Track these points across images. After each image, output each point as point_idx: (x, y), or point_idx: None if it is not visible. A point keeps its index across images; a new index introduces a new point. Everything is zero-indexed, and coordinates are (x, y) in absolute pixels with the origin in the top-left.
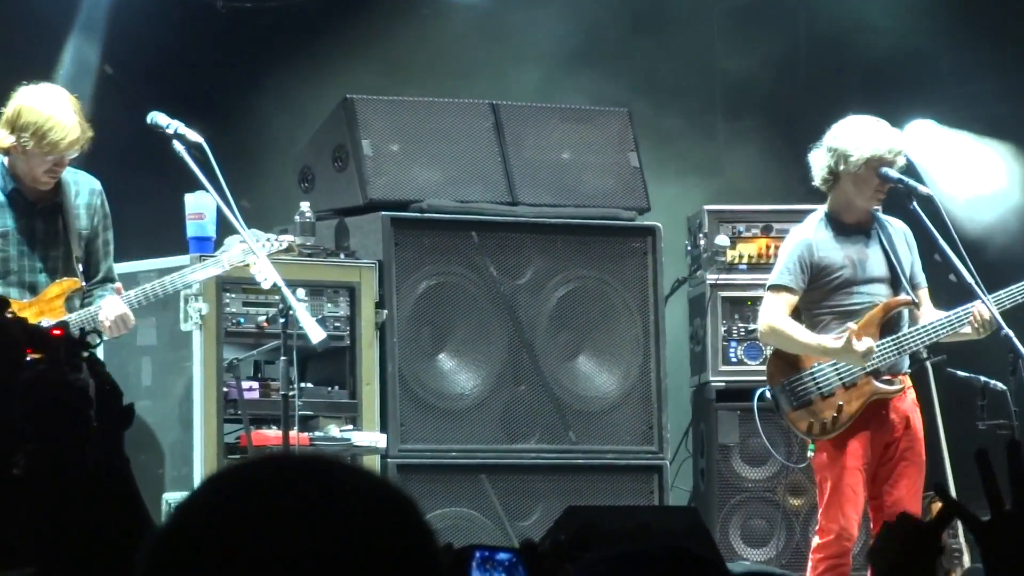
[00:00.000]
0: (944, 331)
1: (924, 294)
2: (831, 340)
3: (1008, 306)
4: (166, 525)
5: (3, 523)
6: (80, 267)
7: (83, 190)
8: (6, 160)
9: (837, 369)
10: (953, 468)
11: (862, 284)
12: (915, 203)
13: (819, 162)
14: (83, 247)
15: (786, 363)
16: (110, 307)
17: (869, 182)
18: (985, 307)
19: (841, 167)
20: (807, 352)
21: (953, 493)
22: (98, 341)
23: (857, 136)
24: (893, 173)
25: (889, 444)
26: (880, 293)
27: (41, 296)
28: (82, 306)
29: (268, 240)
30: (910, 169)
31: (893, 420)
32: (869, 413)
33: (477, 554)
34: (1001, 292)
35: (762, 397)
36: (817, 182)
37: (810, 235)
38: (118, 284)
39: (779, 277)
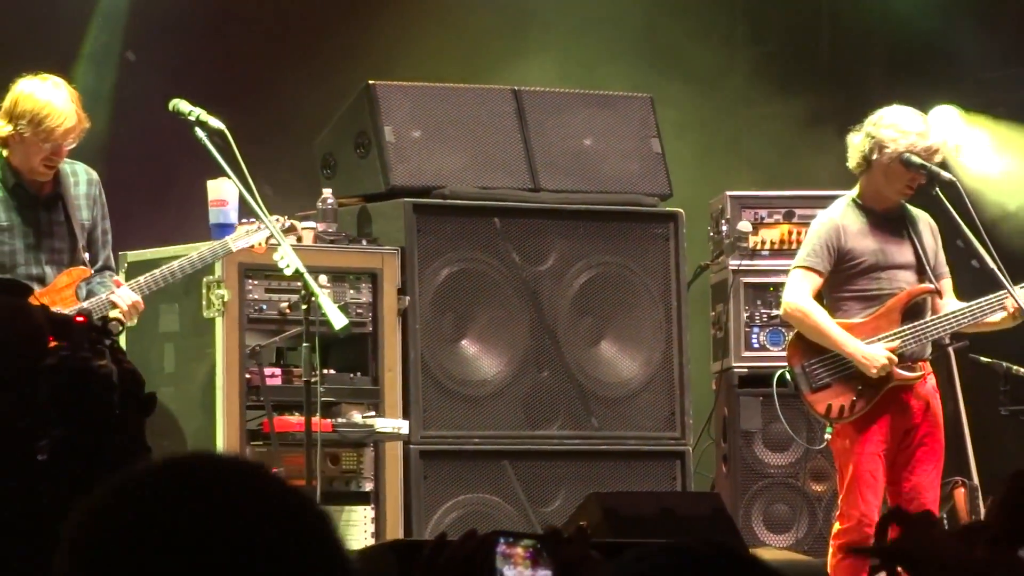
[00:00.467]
0: (967, 320)
1: (947, 284)
2: (854, 342)
3: None
4: (74, 525)
5: (27, 507)
6: (86, 256)
7: (81, 180)
8: (5, 153)
9: None
10: (975, 454)
11: (886, 270)
12: (937, 189)
13: (855, 146)
14: (85, 236)
15: (807, 345)
16: (122, 294)
17: (901, 176)
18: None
19: (875, 156)
20: (827, 342)
21: (975, 478)
22: (120, 329)
23: (897, 128)
24: (916, 159)
25: (909, 430)
26: (904, 280)
27: (52, 286)
28: (86, 294)
29: (277, 220)
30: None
31: (913, 406)
32: (889, 399)
33: (501, 540)
34: None
35: (781, 379)
36: (851, 165)
37: (838, 219)
38: (117, 278)
39: (806, 259)
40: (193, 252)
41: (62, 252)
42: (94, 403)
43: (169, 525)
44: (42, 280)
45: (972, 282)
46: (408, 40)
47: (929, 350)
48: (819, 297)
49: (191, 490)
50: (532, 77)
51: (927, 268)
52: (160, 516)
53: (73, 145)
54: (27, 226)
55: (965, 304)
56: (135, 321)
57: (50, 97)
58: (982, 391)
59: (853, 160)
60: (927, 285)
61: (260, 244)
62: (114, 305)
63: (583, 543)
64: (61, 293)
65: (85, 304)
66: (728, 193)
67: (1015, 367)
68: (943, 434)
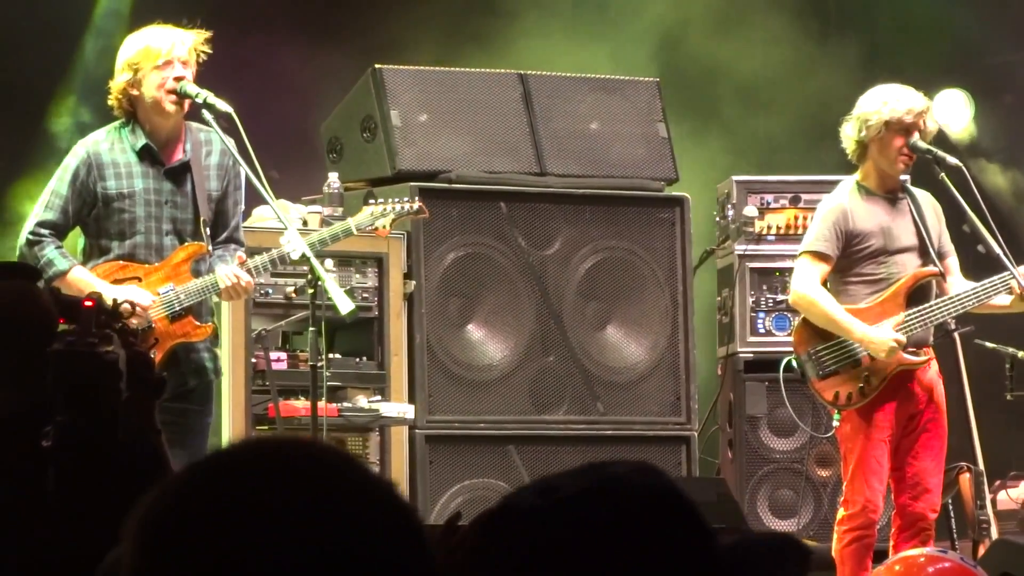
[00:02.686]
0: (972, 302)
1: (952, 263)
2: (862, 326)
3: None
4: (154, 505)
5: (33, 494)
6: (207, 231)
7: (215, 150)
8: (137, 114)
9: None
10: (980, 438)
11: (892, 254)
12: (943, 174)
13: (848, 135)
14: (212, 208)
15: (813, 332)
16: (227, 272)
17: (891, 145)
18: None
19: (863, 133)
20: (836, 329)
21: (980, 463)
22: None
23: (876, 101)
24: (922, 144)
25: (913, 415)
26: (909, 263)
27: (167, 260)
28: (208, 267)
29: (399, 202)
30: (940, 139)
31: (917, 392)
32: (894, 384)
33: None
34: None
35: (788, 366)
36: (849, 155)
37: (844, 202)
38: (240, 253)
39: (814, 244)
40: (313, 233)
41: (185, 223)
42: (99, 389)
43: (254, 509)
44: (160, 250)
45: (978, 267)
46: (415, 24)
47: (932, 334)
48: (824, 282)
49: (281, 475)
50: (539, 61)
51: (931, 250)
52: (244, 500)
53: (189, 60)
54: (150, 194)
55: (970, 286)
56: (236, 298)
57: (151, 27)
58: (988, 377)
59: (849, 148)
60: (932, 268)
61: (384, 227)
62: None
63: None
64: (177, 269)
65: (199, 281)
66: (734, 178)
67: (1021, 352)
68: (946, 420)
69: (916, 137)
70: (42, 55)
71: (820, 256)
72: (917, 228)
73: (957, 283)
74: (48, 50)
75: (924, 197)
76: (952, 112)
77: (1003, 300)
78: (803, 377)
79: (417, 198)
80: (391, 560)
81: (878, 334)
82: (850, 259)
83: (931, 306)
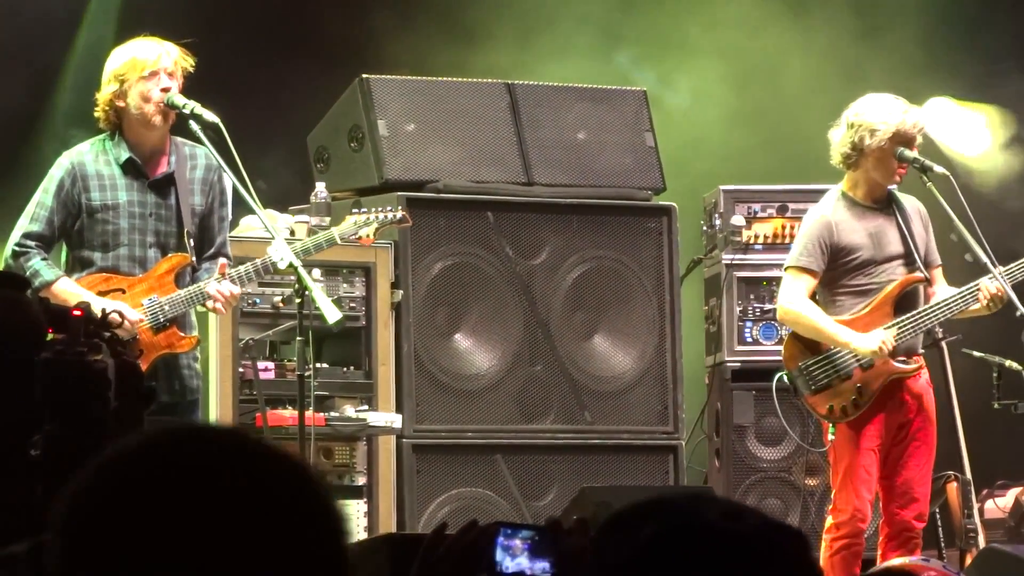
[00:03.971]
0: (958, 307)
1: (938, 273)
2: (849, 332)
3: (1020, 278)
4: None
5: (20, 503)
6: (191, 242)
7: (200, 165)
8: (122, 127)
9: None
10: (968, 447)
11: (880, 264)
12: (931, 183)
13: (840, 139)
14: (196, 223)
15: (804, 346)
16: (221, 287)
17: (892, 156)
18: (992, 282)
19: (866, 142)
20: (824, 340)
21: (968, 472)
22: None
23: (882, 112)
24: (909, 153)
25: (903, 424)
26: (897, 271)
27: (151, 272)
28: (192, 281)
29: (382, 211)
30: (928, 147)
31: (907, 401)
32: (884, 394)
33: (502, 531)
34: (1012, 265)
35: (780, 381)
36: (836, 160)
37: (829, 215)
38: (223, 262)
39: (799, 259)
40: (297, 242)
41: (168, 236)
42: (88, 399)
43: (153, 501)
44: (144, 262)
45: (965, 275)
46: (402, 33)
47: (921, 342)
48: (813, 294)
49: (175, 465)
50: (526, 70)
51: (917, 259)
52: (144, 493)
53: (175, 72)
54: (134, 207)
55: (955, 291)
56: (226, 310)
57: (137, 40)
58: (975, 385)
59: (839, 154)
60: (917, 275)
61: (368, 236)
62: (209, 296)
63: (583, 535)
64: (161, 280)
65: (183, 292)
66: (721, 187)
67: (1008, 361)
68: (935, 429)
69: (907, 144)
70: (28, 74)
71: (805, 271)
72: (903, 236)
73: (942, 293)
74: (33, 72)
75: (911, 203)
76: (941, 122)
77: (975, 305)
78: (795, 392)
79: (400, 207)
80: (306, 539)
81: (866, 338)
82: (838, 271)
83: (919, 312)
